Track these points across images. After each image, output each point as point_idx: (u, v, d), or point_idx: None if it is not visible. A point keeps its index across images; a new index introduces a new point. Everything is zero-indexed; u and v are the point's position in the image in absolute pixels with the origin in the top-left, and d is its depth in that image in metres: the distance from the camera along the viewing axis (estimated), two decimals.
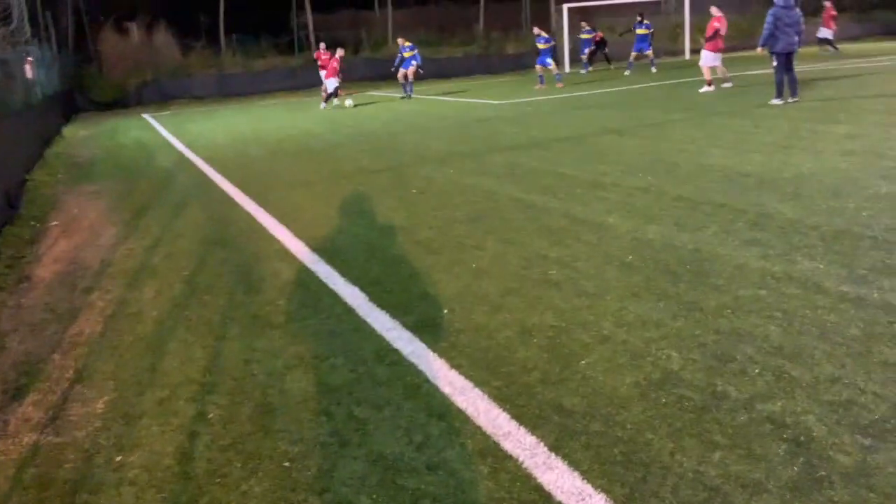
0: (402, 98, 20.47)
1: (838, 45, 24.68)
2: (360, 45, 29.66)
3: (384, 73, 27.29)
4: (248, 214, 7.18)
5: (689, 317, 3.84)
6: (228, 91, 25.63)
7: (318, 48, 22.61)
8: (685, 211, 5.96)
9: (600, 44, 26.32)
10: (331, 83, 19.04)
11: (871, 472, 2.44)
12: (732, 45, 28.50)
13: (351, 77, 27.25)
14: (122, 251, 6.20)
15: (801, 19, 12.07)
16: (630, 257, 4.91)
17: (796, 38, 11.98)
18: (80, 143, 15.38)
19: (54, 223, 7.52)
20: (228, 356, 3.85)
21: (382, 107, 18.84)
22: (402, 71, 20.79)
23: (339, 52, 19.19)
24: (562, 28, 27.49)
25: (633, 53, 23.06)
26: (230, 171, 9.92)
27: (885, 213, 5.41)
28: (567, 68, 26.99)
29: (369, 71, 27.64)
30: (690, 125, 10.92)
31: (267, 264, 5.45)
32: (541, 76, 20.79)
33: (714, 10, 15.50)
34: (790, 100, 12.35)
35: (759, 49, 12.55)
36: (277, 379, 3.52)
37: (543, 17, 29.99)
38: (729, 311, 3.87)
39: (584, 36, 25.59)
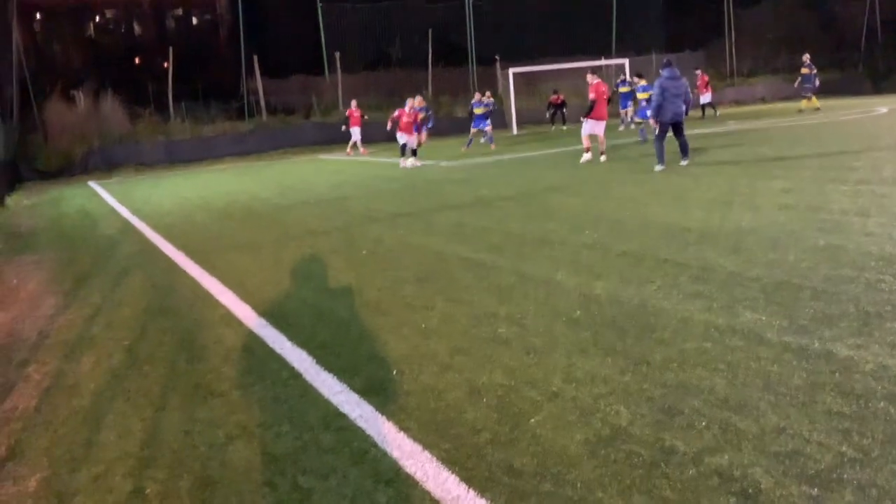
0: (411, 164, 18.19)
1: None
2: (310, 110, 29.89)
3: (333, 138, 27.53)
4: (193, 280, 7.04)
5: (637, 371, 3.85)
6: (176, 158, 25.46)
7: (350, 106, 24.29)
8: (630, 266, 6.04)
9: (560, 105, 27.43)
10: (403, 138, 17.94)
11: None
12: None
13: (301, 141, 27.45)
14: (61, 322, 6.00)
15: (688, 88, 12.67)
16: (578, 313, 4.94)
17: (683, 108, 12.48)
18: (23, 212, 15.05)
19: None
20: (168, 428, 3.72)
21: (333, 170, 18.90)
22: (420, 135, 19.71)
23: (410, 103, 18.40)
24: (508, 91, 28.16)
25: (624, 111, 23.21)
26: (175, 237, 9.78)
27: (822, 265, 5.56)
28: (514, 130, 27.58)
29: (319, 135, 27.82)
30: (631, 184, 11.18)
31: (211, 331, 5.33)
32: (470, 139, 21.69)
33: (590, 78, 15.37)
34: (682, 163, 12.71)
35: (650, 120, 12.89)
36: (219, 450, 3.40)
37: (490, 82, 30.73)
38: (675, 364, 3.89)
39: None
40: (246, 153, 26.24)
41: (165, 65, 28.19)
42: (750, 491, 2.65)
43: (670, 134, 12.69)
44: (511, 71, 27.81)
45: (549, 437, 3.21)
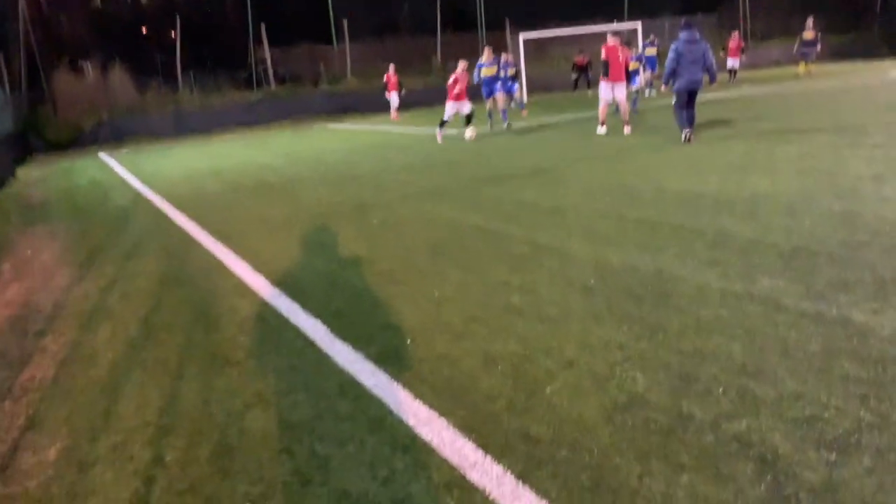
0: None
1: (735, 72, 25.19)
2: (318, 79, 29.72)
3: (343, 107, 27.39)
4: (207, 251, 7.06)
5: (653, 338, 3.83)
6: (186, 128, 25.40)
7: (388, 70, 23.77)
8: (645, 234, 6.01)
9: (585, 68, 26.43)
10: (454, 107, 15.89)
11: (837, 488, 2.44)
12: None
13: (310, 111, 27.33)
14: (77, 293, 6.04)
15: (709, 53, 11.28)
16: (592, 281, 4.92)
17: (700, 76, 11.27)
18: (35, 184, 15.08)
19: (6, 266, 7.31)
20: (186, 397, 3.75)
21: (342, 139, 18.82)
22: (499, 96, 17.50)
23: (463, 66, 16.19)
24: (519, 57, 27.85)
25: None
26: (188, 207, 9.79)
27: (838, 230, 5.51)
28: (525, 97, 27.33)
29: (327, 104, 27.68)
30: (646, 151, 11.09)
31: (226, 301, 5.34)
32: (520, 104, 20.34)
33: (610, 40, 13.70)
34: (688, 131, 11.42)
35: (662, 87, 12.28)
36: (237, 418, 3.42)
37: (500, 47, 30.38)
38: (691, 331, 3.88)
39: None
40: (255, 123, 26.15)
41: (173, 34, 28.03)
42: (768, 456, 2.65)
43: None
44: (521, 36, 27.50)
45: (565, 405, 3.22)
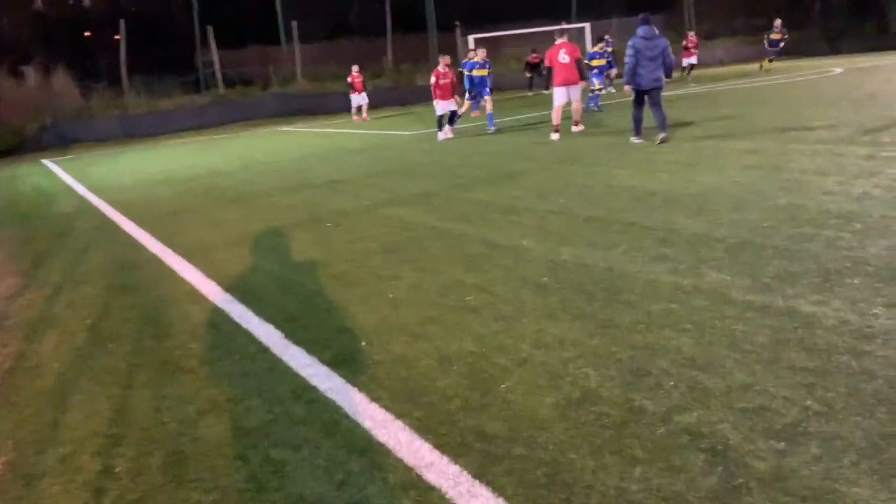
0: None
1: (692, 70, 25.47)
2: (268, 82, 29.41)
3: (295, 109, 27.14)
4: (156, 257, 6.93)
5: (605, 334, 3.88)
6: (133, 132, 24.90)
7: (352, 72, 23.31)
8: (597, 231, 6.08)
9: (536, 66, 26.33)
10: (444, 105, 15.03)
11: (786, 476, 2.49)
12: None
13: (261, 113, 27.03)
14: (21, 302, 5.87)
15: (668, 49, 10.68)
16: (546, 279, 4.96)
17: (660, 73, 10.65)
18: None
19: None
20: (136, 405, 3.67)
21: (294, 142, 18.66)
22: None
23: (444, 62, 15.14)
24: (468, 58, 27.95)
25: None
26: (136, 213, 9.60)
27: (784, 223, 5.65)
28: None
29: (278, 107, 27.41)
30: (598, 149, 11.22)
31: (176, 307, 5.25)
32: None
33: (557, 41, 13.00)
34: (660, 135, 10.78)
35: (625, 87, 11.10)
36: (189, 426, 3.36)
37: (450, 48, 30.45)
38: (642, 326, 3.93)
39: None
40: (205, 126, 25.79)
41: (117, 38, 27.43)
42: (719, 447, 2.70)
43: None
44: (471, 37, 27.60)
45: (520, 402, 3.23)
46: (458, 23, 30.95)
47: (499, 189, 8.56)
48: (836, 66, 23.14)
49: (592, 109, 17.19)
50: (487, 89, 17.00)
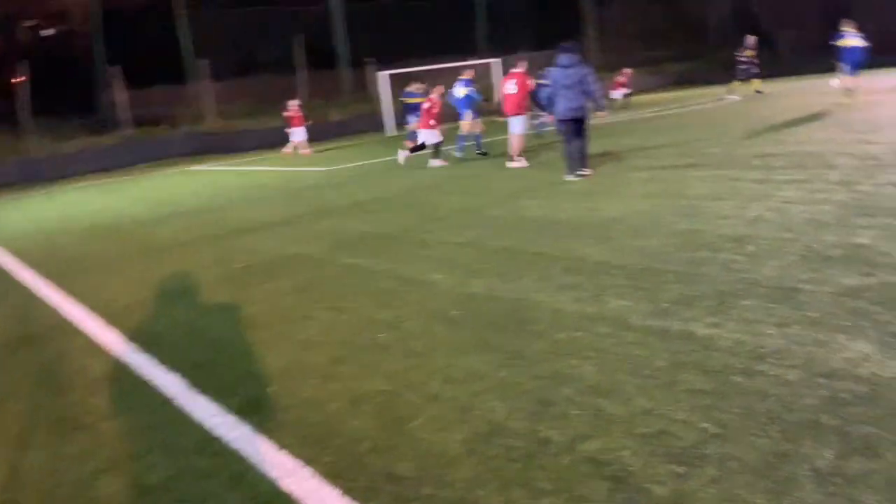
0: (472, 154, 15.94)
1: (629, 97, 26.64)
2: (177, 121, 28.81)
3: (204, 148, 26.65)
4: (54, 309, 6.64)
5: (513, 365, 3.93)
6: (34, 177, 23.92)
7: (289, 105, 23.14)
8: (506, 262, 6.17)
9: None
10: (424, 136, 14.94)
11: (685, 500, 2.56)
12: None
13: (169, 153, 26.42)
14: None
15: (589, 78, 10.11)
16: (456, 312, 4.99)
17: (577, 103, 10.09)
18: None
19: None
20: (31, 467, 3.49)
21: (204, 182, 18.31)
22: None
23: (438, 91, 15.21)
24: (379, 94, 28.15)
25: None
26: (34, 262, 9.19)
27: (682, 249, 5.87)
28: (390, 131, 27.63)
29: (188, 146, 26.87)
30: (508, 177, 11.44)
31: (76, 360, 5.04)
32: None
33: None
34: (584, 171, 10.40)
35: (548, 117, 10.80)
36: (87, 486, 3.22)
37: (362, 85, 30.62)
38: (549, 355, 4.00)
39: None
40: (111, 168, 25.02)
41: (16, 80, 26.43)
42: (621, 474, 2.76)
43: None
44: (383, 73, 27.84)
45: (430, 440, 3.23)
46: (368, 59, 31.12)
47: (409, 222, 8.60)
48: (733, 94, 24.29)
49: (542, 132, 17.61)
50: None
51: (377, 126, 28.54)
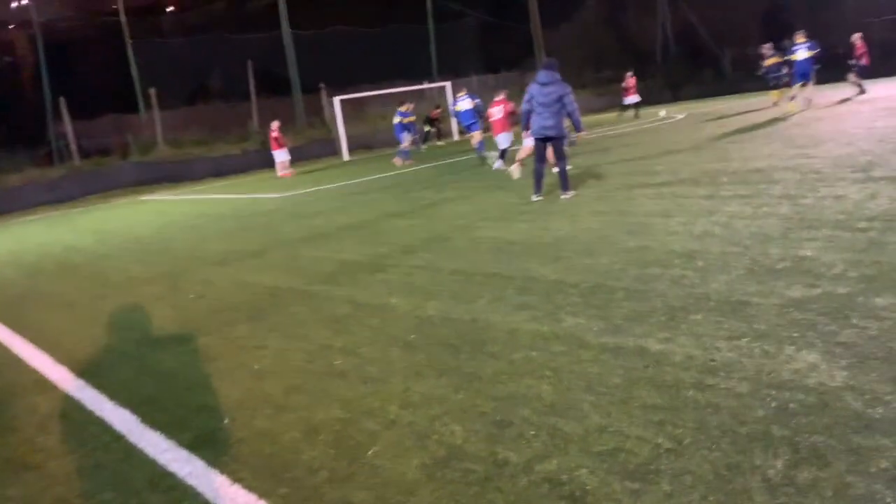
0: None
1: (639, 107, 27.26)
2: (127, 151, 28.37)
3: (156, 177, 26.27)
4: (1, 344, 6.45)
5: (470, 388, 3.93)
6: None
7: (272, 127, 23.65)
8: (461, 284, 6.19)
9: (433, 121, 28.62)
10: (506, 137, 15.48)
11: None
12: None
13: (120, 184, 25.98)
14: None
15: (568, 98, 9.79)
16: (412, 336, 4.98)
17: (553, 122, 9.82)
18: None
19: None
20: None
21: (156, 212, 18.03)
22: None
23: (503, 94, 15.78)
24: (334, 119, 28.14)
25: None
26: None
27: (632, 265, 5.95)
28: (346, 156, 27.62)
29: (139, 176, 26.44)
30: (463, 199, 11.50)
31: (23, 398, 4.89)
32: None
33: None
34: (566, 194, 10.14)
35: (523, 133, 10.93)
36: None
37: (316, 110, 30.56)
38: (505, 376, 4.01)
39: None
40: (59, 201, 24.46)
41: None
42: (577, 493, 2.77)
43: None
44: (337, 98, 27.84)
45: (388, 467, 3.21)
46: (322, 85, 31.11)
47: (364, 247, 8.58)
48: (679, 113, 24.87)
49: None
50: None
51: (333, 151, 28.51)
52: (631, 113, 27.20)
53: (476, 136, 17.92)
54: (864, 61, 20.43)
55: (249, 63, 30.65)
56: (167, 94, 29.58)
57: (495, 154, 15.70)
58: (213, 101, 32.71)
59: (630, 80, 27.28)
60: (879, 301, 4.33)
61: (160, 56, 30.09)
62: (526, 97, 10.06)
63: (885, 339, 3.77)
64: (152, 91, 28.64)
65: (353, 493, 3.02)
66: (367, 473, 3.18)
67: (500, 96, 15.46)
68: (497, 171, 15.09)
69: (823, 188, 8.04)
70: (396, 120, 22.43)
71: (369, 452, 3.37)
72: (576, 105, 9.95)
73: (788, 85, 20.24)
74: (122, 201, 22.90)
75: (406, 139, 21.70)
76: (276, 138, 23.40)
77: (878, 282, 4.68)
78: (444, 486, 2.96)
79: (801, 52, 18.79)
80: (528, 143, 12.65)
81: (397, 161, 20.92)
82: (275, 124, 23.67)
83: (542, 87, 9.85)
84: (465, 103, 18.22)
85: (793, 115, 17.73)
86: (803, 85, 19.11)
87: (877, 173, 8.44)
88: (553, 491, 2.81)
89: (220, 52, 31.60)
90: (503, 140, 15.38)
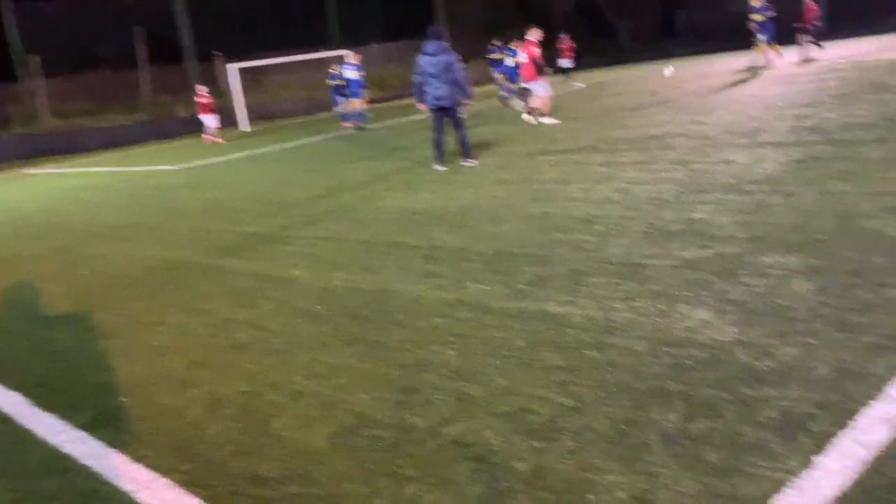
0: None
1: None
2: (8, 122, 26.69)
3: (42, 150, 24.91)
4: None
5: (376, 356, 3.94)
6: None
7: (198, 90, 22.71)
8: (366, 254, 6.16)
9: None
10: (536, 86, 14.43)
11: (545, 474, 2.66)
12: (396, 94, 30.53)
13: (2, 157, 24.49)
14: None
15: (455, 66, 9.84)
16: (318, 307, 4.94)
17: (445, 91, 9.85)
18: None
19: None
20: None
21: (42, 186, 17.09)
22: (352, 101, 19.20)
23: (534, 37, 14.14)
24: (230, 88, 27.26)
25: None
26: None
27: (535, 232, 6.07)
28: (246, 126, 26.86)
29: (21, 149, 24.98)
30: (365, 168, 11.40)
31: None
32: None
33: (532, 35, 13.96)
34: (468, 162, 10.33)
35: (418, 105, 10.47)
36: None
37: (210, 79, 29.48)
38: (411, 343, 4.04)
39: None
40: None
41: None
42: (483, 454, 2.83)
43: None
44: (234, 66, 26.95)
45: (294, 438, 3.18)
46: (216, 52, 30.02)
47: (266, 219, 8.41)
48: (579, 82, 25.31)
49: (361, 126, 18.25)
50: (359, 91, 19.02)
51: (229, 121, 27.68)
52: (578, 83, 26.26)
53: (356, 104, 18.43)
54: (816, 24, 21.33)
55: (136, 29, 29.21)
56: (51, 61, 27.89)
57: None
58: (101, 69, 31.05)
59: (565, 42, 26.20)
60: (766, 260, 4.57)
61: (43, 20, 28.28)
62: (416, 69, 10.04)
63: (772, 295, 4.00)
64: (34, 58, 26.96)
65: (260, 466, 2.99)
66: (274, 445, 3.15)
67: (533, 36, 13.84)
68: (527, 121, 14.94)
69: (714, 153, 8.39)
70: (334, 82, 20.55)
71: (275, 424, 3.34)
72: (464, 73, 9.98)
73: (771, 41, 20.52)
74: (5, 175, 21.59)
75: (345, 103, 19.87)
76: (205, 104, 22.37)
77: (765, 242, 4.94)
78: (351, 454, 2.97)
79: (761, 14, 20.01)
80: (541, 91, 13.82)
81: (347, 125, 20.12)
82: (202, 89, 22.73)
83: (431, 57, 9.85)
84: (352, 72, 18.52)
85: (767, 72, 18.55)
86: (769, 44, 20.14)
87: (763, 139, 8.87)
88: (460, 453, 2.86)
89: (108, 16, 29.96)
90: (536, 88, 14.32)
